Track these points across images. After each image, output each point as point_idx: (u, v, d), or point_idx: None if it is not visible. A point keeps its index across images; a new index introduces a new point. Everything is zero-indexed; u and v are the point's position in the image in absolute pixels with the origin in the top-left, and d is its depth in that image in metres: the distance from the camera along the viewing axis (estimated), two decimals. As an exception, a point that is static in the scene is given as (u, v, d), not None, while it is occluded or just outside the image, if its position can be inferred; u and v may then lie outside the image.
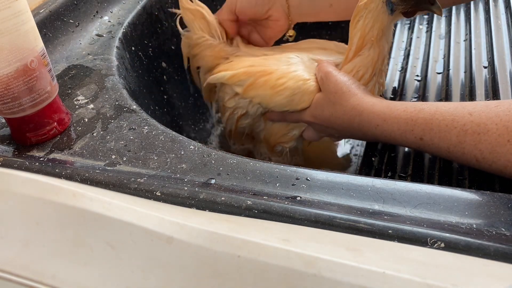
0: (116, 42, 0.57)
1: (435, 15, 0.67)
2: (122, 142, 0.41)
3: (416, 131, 0.41)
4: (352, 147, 0.74)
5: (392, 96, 0.59)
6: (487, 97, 0.53)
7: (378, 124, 0.44)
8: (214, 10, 0.72)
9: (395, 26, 0.72)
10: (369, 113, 0.45)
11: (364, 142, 0.55)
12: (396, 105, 0.44)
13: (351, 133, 0.49)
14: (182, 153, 0.39)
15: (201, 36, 0.61)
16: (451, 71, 0.60)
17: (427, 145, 0.41)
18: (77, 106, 0.46)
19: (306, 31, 0.88)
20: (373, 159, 0.51)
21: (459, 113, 0.39)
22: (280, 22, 0.60)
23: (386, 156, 0.49)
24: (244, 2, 0.58)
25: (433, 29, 0.69)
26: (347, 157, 0.72)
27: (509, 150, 0.36)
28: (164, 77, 0.69)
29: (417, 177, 0.45)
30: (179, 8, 0.61)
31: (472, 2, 0.72)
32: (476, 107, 0.39)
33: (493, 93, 0.52)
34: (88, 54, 0.54)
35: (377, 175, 0.48)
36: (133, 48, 0.61)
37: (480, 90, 0.54)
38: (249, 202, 0.33)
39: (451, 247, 0.28)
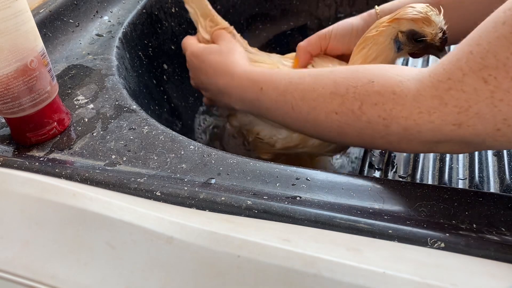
0: (116, 42, 0.57)
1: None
2: (122, 142, 0.41)
3: (260, 81, 0.46)
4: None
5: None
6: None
7: (239, 75, 0.50)
8: (214, 10, 0.72)
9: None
10: (239, 67, 0.51)
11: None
12: (259, 67, 0.51)
13: (217, 82, 0.53)
14: (182, 153, 0.39)
15: None
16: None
17: (264, 95, 0.46)
18: (77, 106, 0.46)
19: (305, 32, 0.88)
20: (373, 159, 0.51)
21: (293, 71, 0.44)
22: None
23: (386, 156, 0.50)
24: (338, 38, 0.57)
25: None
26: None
27: (311, 96, 0.41)
28: (164, 77, 0.69)
29: (417, 177, 0.45)
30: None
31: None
32: (308, 69, 0.45)
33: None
34: (88, 54, 0.54)
35: (377, 175, 0.48)
36: (133, 48, 0.61)
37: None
38: (249, 202, 0.33)
39: (451, 247, 0.28)
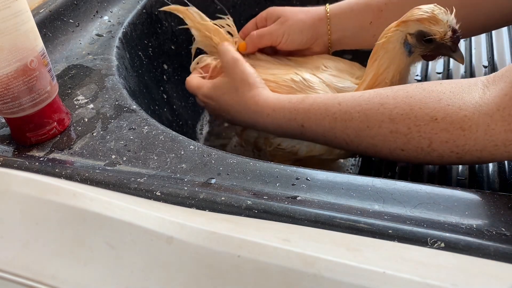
0: (116, 42, 0.57)
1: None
2: (122, 142, 0.41)
3: (298, 119, 0.46)
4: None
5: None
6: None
7: (269, 113, 0.48)
8: (214, 10, 0.72)
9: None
10: (263, 103, 0.49)
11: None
12: (283, 97, 0.49)
13: (244, 119, 0.52)
14: (182, 153, 0.39)
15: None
16: (451, 71, 0.60)
17: (307, 131, 0.46)
18: (77, 106, 0.46)
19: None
20: (373, 159, 0.51)
21: (330, 103, 0.44)
22: (317, 52, 0.60)
23: (386, 156, 0.49)
24: (290, 41, 0.58)
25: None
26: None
27: (368, 134, 0.41)
28: (164, 77, 0.69)
29: (417, 177, 0.45)
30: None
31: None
32: (344, 97, 0.43)
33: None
34: (88, 54, 0.54)
35: (377, 175, 0.48)
36: (133, 48, 0.61)
37: (480, 90, 0.54)
38: (249, 202, 0.33)
39: (451, 247, 0.28)
